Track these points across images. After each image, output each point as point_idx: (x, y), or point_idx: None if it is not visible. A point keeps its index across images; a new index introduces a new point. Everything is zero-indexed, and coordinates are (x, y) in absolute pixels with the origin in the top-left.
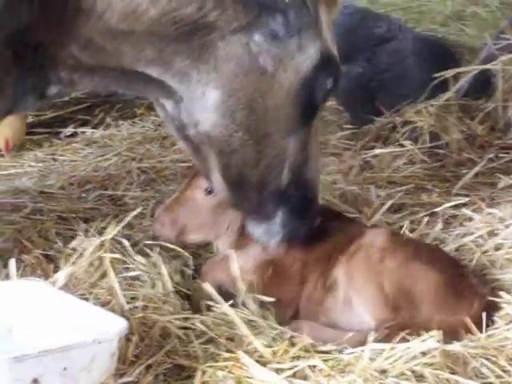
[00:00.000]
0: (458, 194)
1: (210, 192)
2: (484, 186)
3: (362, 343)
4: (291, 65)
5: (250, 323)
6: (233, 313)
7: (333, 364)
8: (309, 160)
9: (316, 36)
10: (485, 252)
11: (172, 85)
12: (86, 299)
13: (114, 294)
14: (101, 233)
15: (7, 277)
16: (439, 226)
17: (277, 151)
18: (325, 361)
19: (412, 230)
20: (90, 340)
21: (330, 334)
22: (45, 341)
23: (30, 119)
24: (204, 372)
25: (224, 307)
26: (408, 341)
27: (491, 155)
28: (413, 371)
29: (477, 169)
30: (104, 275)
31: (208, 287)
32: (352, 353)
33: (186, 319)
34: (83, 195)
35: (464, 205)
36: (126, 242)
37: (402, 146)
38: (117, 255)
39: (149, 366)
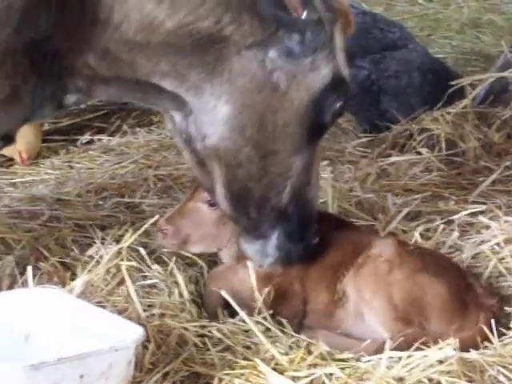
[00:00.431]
0: (474, 202)
1: (213, 204)
2: (501, 193)
3: (379, 351)
4: (304, 83)
5: (266, 332)
6: (250, 321)
7: (350, 372)
8: (311, 180)
9: (330, 57)
10: (501, 259)
11: (186, 97)
12: (103, 307)
13: (131, 302)
14: (118, 240)
15: (24, 284)
16: (456, 233)
17: (282, 169)
18: (342, 369)
19: (428, 238)
20: (107, 348)
21: (346, 342)
22: (62, 348)
23: (46, 127)
24: (221, 380)
25: (242, 315)
26: (423, 350)
27: (508, 163)
28: (430, 379)
29: (493, 176)
30: (121, 283)
31: (226, 296)
32: (369, 361)
33: (203, 327)
34: (100, 203)
35: (481, 212)
36: (142, 250)
37: (418, 153)
38: (133, 263)
39: (166, 374)
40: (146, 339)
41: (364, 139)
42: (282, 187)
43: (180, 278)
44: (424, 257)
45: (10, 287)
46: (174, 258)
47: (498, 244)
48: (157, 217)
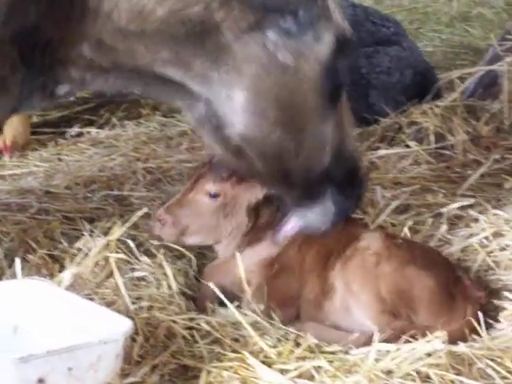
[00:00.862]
0: (463, 195)
1: (214, 196)
2: (490, 187)
3: (367, 344)
4: (311, 56)
5: (254, 324)
6: (238, 314)
7: (338, 365)
8: (345, 136)
9: (328, 22)
10: (490, 253)
11: (193, 87)
12: (92, 299)
13: (120, 294)
14: (106, 233)
15: (12, 276)
16: (444, 226)
17: (315, 139)
18: (330, 361)
19: (417, 231)
20: (95, 340)
21: (335, 334)
22: (50, 341)
23: (35, 119)
24: (209, 372)
25: (230, 308)
26: (411, 343)
27: (497, 156)
28: (418, 372)
29: (482, 170)
30: (109, 275)
31: (215, 288)
32: (357, 353)
33: (191, 319)
34: (89, 195)
35: (469, 206)
36: (131, 243)
37: (407, 146)
38: (122, 255)
39: (154, 366)
40: (135, 332)
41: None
42: (321, 155)
43: (169, 271)
44: (412, 250)
45: None
46: (163, 251)
47: (486, 237)
48: (145, 209)
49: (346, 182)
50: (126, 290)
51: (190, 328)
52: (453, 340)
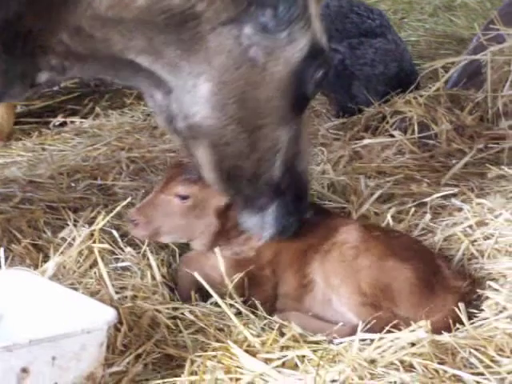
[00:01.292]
0: (447, 185)
1: (184, 197)
2: (473, 176)
3: (351, 334)
4: (282, 57)
5: (238, 314)
6: (223, 303)
7: (322, 354)
8: (300, 152)
9: (306, 28)
10: (473, 242)
11: (162, 75)
12: (76, 289)
13: (103, 284)
14: (90, 223)
15: None
16: (428, 216)
17: (269, 143)
18: (314, 351)
19: (401, 220)
20: (79, 329)
21: (319, 325)
22: (34, 330)
23: (19, 109)
24: (193, 362)
25: (215, 297)
26: (394, 332)
27: (480, 145)
28: (402, 361)
29: (466, 159)
30: (93, 265)
31: (200, 279)
32: (341, 343)
33: (175, 309)
34: (72, 185)
35: (453, 195)
36: (115, 233)
37: (391, 136)
38: (106, 245)
39: (138, 356)
40: (118, 321)
41: (337, 122)
42: (272, 161)
43: (152, 261)
44: (390, 241)
45: None
46: (147, 241)
47: (470, 226)
48: (129, 199)
49: (292, 198)
50: (109, 280)
51: (174, 317)
52: (436, 330)
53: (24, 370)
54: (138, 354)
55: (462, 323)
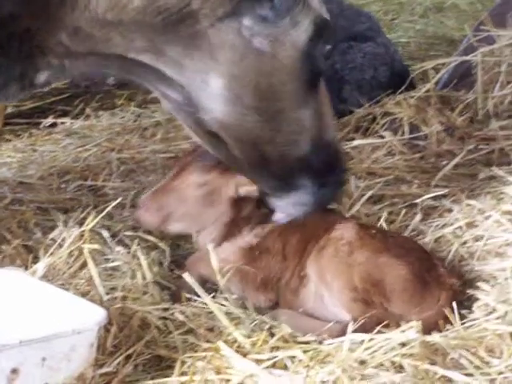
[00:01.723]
0: (437, 186)
1: (199, 185)
2: (463, 177)
3: (341, 334)
4: (288, 42)
5: (229, 314)
6: (212, 304)
7: (312, 354)
8: (324, 124)
9: (306, 8)
10: (464, 243)
11: (167, 73)
12: (66, 289)
13: (94, 285)
14: (80, 223)
15: None
16: (418, 217)
17: (292, 124)
18: (304, 351)
19: (391, 222)
20: (69, 330)
21: (310, 324)
22: (24, 331)
23: (9, 110)
24: (183, 362)
25: (204, 298)
26: (385, 333)
27: (471, 147)
28: (392, 362)
29: (456, 160)
30: (83, 266)
31: (189, 278)
32: (331, 343)
33: (166, 310)
34: (63, 186)
35: (443, 196)
36: (105, 233)
37: (381, 137)
38: (96, 246)
39: (128, 357)
40: (109, 322)
41: None
42: (299, 141)
43: (143, 261)
44: (385, 239)
45: None
46: (137, 241)
47: (460, 227)
48: (119, 200)
49: (326, 170)
50: (100, 281)
51: (165, 318)
52: (427, 328)
53: (14, 371)
54: (128, 355)
55: (452, 323)
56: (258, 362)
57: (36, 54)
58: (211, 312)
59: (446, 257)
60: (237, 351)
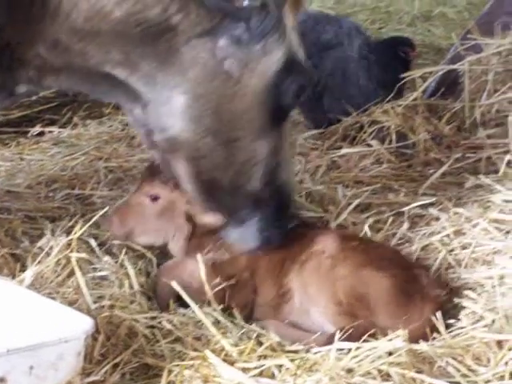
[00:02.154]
0: (424, 194)
1: (155, 199)
2: (451, 185)
3: (329, 343)
4: (257, 69)
5: (216, 323)
6: (200, 312)
7: (299, 363)
8: (281, 163)
9: (281, 40)
10: (451, 251)
11: (138, 88)
12: (53, 298)
13: (81, 293)
14: (68, 232)
15: None
16: (406, 225)
17: (247, 155)
18: (291, 360)
19: (378, 230)
20: (56, 339)
21: (296, 333)
22: (12, 339)
23: None
24: (171, 371)
25: (192, 307)
26: (372, 341)
27: (458, 155)
28: (379, 370)
29: (444, 168)
30: (71, 274)
31: (178, 288)
32: (318, 352)
33: (153, 318)
34: (50, 194)
35: (431, 204)
36: (92, 242)
37: (369, 145)
38: (83, 255)
39: (115, 365)
40: (96, 330)
41: (314, 131)
42: (252, 173)
43: (130, 270)
44: (368, 251)
45: None
46: (124, 250)
47: (447, 236)
48: (107, 208)
49: (274, 211)
50: (87, 289)
51: (152, 327)
52: (413, 339)
53: (1, 380)
54: (116, 364)
55: (439, 332)
56: (246, 370)
57: (16, 66)
58: (199, 321)
59: (433, 265)
60: (224, 360)
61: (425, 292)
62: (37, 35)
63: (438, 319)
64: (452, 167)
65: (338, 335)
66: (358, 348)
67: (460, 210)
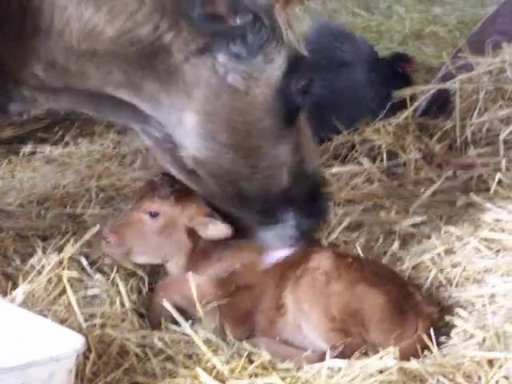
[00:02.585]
0: (415, 213)
1: (154, 215)
2: (442, 204)
3: (320, 360)
4: (262, 79)
5: (207, 341)
6: (191, 331)
7: (290, 381)
8: (305, 157)
9: (279, 44)
10: (442, 270)
11: (143, 108)
12: (45, 316)
13: (72, 312)
14: (59, 250)
15: None
16: (396, 243)
17: (270, 161)
18: (283, 378)
19: (369, 248)
20: (47, 357)
21: (288, 351)
22: (3, 358)
23: None
24: None
25: (183, 325)
26: (363, 360)
27: (449, 174)
28: None
29: (434, 187)
30: (62, 293)
31: (168, 306)
32: (310, 370)
33: (144, 337)
34: (42, 213)
35: (422, 223)
36: (84, 260)
37: (360, 164)
38: (75, 273)
39: None
40: (87, 349)
41: None
42: (278, 176)
43: (122, 288)
44: (362, 268)
45: None
46: (116, 269)
47: (438, 254)
48: (98, 227)
49: (308, 202)
50: (78, 308)
51: (143, 345)
52: (405, 356)
53: None
54: (107, 382)
55: (430, 350)
56: None
57: (8, 84)
58: (190, 339)
59: (424, 283)
60: (215, 378)
61: (418, 309)
62: (30, 53)
63: (431, 336)
64: (443, 186)
65: (329, 353)
66: (349, 366)
67: (451, 228)
